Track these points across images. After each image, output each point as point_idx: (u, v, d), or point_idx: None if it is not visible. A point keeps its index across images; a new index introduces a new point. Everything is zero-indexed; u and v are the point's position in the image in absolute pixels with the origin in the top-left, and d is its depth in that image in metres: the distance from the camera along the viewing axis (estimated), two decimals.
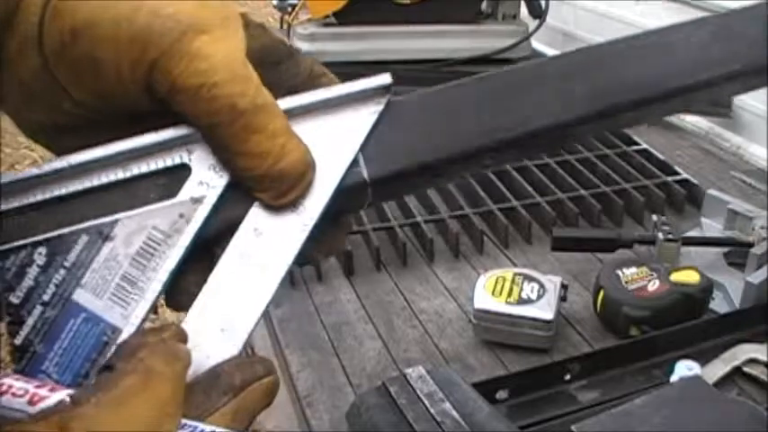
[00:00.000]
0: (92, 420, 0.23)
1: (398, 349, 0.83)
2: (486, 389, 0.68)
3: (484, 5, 1.52)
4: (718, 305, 0.85)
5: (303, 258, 0.30)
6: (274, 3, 1.52)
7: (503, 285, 0.82)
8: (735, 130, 1.31)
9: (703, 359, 0.74)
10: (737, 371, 0.74)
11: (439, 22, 1.47)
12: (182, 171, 0.29)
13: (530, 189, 1.08)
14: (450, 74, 1.44)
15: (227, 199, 0.29)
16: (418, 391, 0.64)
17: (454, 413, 0.61)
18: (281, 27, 1.57)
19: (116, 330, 0.28)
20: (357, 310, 0.89)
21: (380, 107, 0.30)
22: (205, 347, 0.28)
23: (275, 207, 0.29)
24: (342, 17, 1.45)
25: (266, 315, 0.92)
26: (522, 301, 0.80)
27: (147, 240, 0.28)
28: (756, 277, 0.82)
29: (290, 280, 0.94)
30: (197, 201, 0.29)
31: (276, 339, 0.86)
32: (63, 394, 0.25)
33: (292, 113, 0.29)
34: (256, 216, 0.29)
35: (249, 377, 0.27)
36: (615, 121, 0.32)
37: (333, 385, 0.78)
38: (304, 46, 1.47)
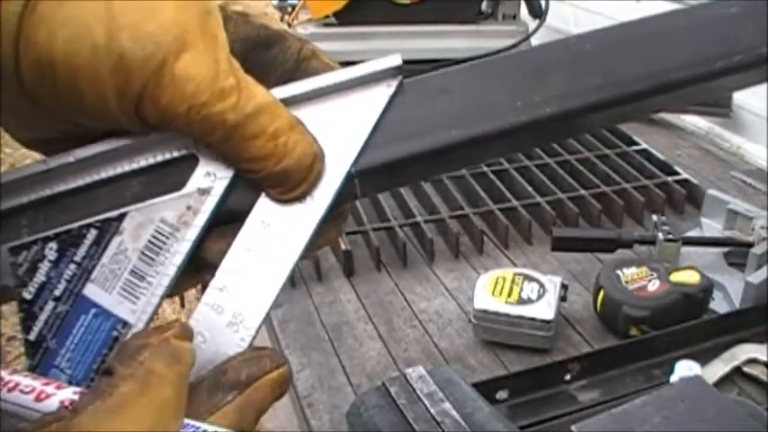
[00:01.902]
0: (89, 429, 0.22)
1: (398, 349, 0.83)
2: (486, 389, 0.68)
3: (484, 5, 1.52)
4: (718, 305, 0.85)
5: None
6: (274, 3, 1.52)
7: (503, 285, 0.82)
8: (735, 130, 1.31)
9: (703, 359, 0.74)
10: (737, 371, 0.74)
11: (439, 22, 1.47)
12: (189, 161, 0.28)
13: (530, 189, 1.08)
14: None
15: (234, 190, 0.28)
16: (418, 391, 0.64)
17: (454, 413, 0.61)
18: None
19: (126, 325, 0.28)
20: (357, 310, 0.89)
21: (391, 90, 0.29)
22: (213, 342, 0.28)
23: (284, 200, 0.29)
24: (342, 17, 1.45)
25: (266, 315, 0.92)
26: (522, 301, 0.80)
27: (154, 233, 0.28)
28: (756, 277, 0.82)
29: (291, 280, 0.94)
30: (204, 192, 0.28)
31: (276, 339, 0.86)
32: (69, 392, 0.24)
33: (298, 99, 0.29)
34: (264, 207, 0.29)
35: (256, 372, 0.27)
36: (624, 109, 0.30)
37: (333, 385, 0.78)
38: None
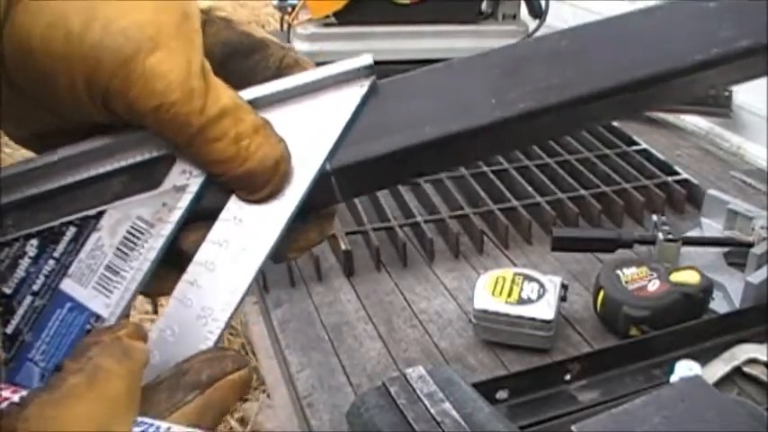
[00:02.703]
0: (36, 421, 0.22)
1: (398, 349, 0.83)
2: (486, 389, 0.68)
3: (484, 5, 1.52)
4: (718, 305, 0.85)
5: (277, 256, 0.30)
6: (274, 3, 1.52)
7: (503, 285, 0.82)
8: (735, 130, 1.31)
9: (703, 359, 0.74)
10: (737, 371, 0.75)
11: (439, 22, 1.47)
12: (166, 161, 0.29)
13: (530, 189, 1.08)
14: None
15: (209, 187, 0.29)
16: (418, 391, 0.64)
17: (454, 413, 0.61)
18: (282, 27, 1.57)
19: (99, 318, 0.29)
20: (357, 310, 0.89)
21: (364, 89, 0.29)
22: (182, 336, 0.28)
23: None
24: (342, 17, 1.45)
25: (266, 315, 0.92)
26: (522, 301, 0.80)
27: (130, 230, 0.29)
28: (756, 277, 0.82)
29: (290, 280, 0.94)
30: (180, 189, 0.29)
31: (276, 339, 0.86)
32: (25, 394, 0.25)
33: (268, 100, 0.29)
34: (236, 204, 0.29)
35: (218, 373, 0.27)
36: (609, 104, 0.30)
37: (333, 385, 0.78)
38: (304, 46, 1.47)
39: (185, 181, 0.29)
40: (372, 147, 0.29)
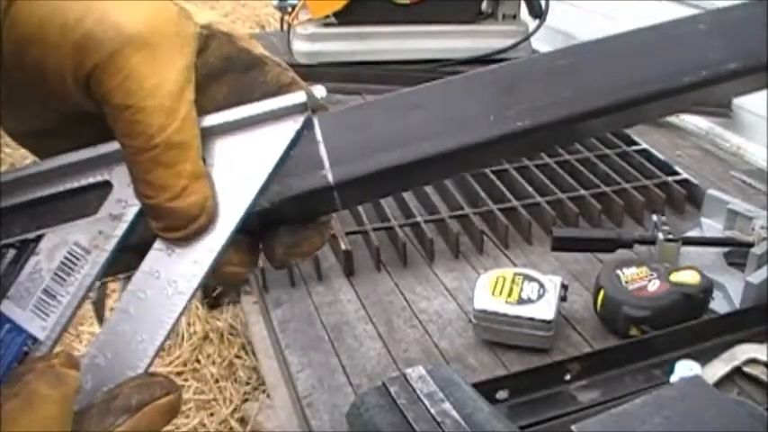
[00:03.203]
0: None
1: (398, 349, 0.83)
2: (486, 389, 0.68)
3: (484, 5, 1.52)
4: (718, 305, 0.85)
5: (278, 262, 0.31)
6: (274, 3, 1.52)
7: (503, 285, 0.82)
8: (735, 130, 1.31)
9: (703, 359, 0.74)
10: (737, 371, 0.75)
11: (439, 22, 1.47)
12: (104, 188, 0.29)
13: (530, 189, 1.08)
14: (450, 74, 1.44)
15: (141, 220, 0.30)
16: (418, 391, 0.64)
17: (454, 413, 0.61)
18: (282, 27, 1.57)
19: (36, 341, 0.29)
20: (357, 310, 0.89)
21: (298, 125, 0.30)
22: (115, 361, 0.29)
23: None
24: (342, 17, 1.45)
25: (266, 315, 0.92)
26: (522, 301, 0.80)
27: (67, 255, 0.29)
28: (756, 277, 0.82)
29: (291, 280, 0.94)
30: (116, 218, 0.29)
31: (276, 339, 0.86)
32: None
33: (212, 131, 0.29)
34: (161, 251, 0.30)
35: (146, 398, 0.27)
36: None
37: (333, 385, 0.78)
38: (304, 46, 1.47)
39: (121, 210, 0.29)
40: (374, 161, 0.30)
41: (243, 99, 0.30)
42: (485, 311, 0.81)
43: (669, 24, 0.32)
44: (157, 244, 0.29)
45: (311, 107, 0.30)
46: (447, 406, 0.62)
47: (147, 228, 0.29)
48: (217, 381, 1.67)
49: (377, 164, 0.30)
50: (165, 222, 0.28)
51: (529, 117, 0.30)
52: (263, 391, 1.56)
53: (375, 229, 1.00)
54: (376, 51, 1.47)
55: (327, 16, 1.46)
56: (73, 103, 0.28)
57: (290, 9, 1.49)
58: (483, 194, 1.07)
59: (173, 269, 0.29)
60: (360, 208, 1.03)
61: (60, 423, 0.25)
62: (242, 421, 1.60)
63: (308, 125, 0.30)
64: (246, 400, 1.63)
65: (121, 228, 0.29)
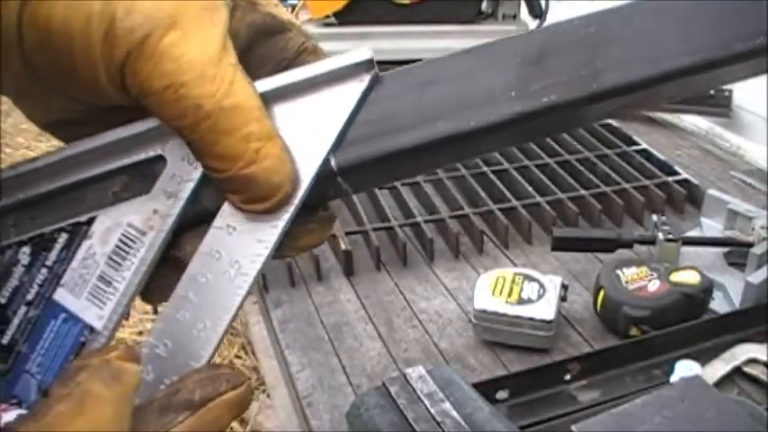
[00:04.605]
0: None
1: (398, 349, 0.83)
2: (486, 389, 0.68)
3: (484, 5, 1.52)
4: (719, 305, 0.85)
5: (278, 253, 0.29)
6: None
7: (503, 285, 0.82)
8: (735, 130, 1.31)
9: (703, 359, 0.74)
10: (737, 371, 0.74)
11: (439, 22, 1.47)
12: (157, 164, 0.28)
13: (530, 189, 1.08)
14: None
15: (201, 192, 0.28)
16: (418, 391, 0.64)
17: (454, 413, 0.61)
18: None
19: (93, 330, 0.28)
20: (357, 310, 0.89)
21: (364, 84, 0.28)
22: (176, 350, 0.27)
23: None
24: (342, 17, 1.45)
25: (266, 315, 0.92)
26: (522, 301, 0.80)
27: (122, 238, 0.28)
28: (756, 277, 0.82)
29: (291, 280, 0.94)
30: (171, 195, 0.27)
31: (276, 339, 0.86)
32: (12, 415, 0.24)
33: (269, 97, 0.27)
34: (229, 210, 0.28)
35: (211, 393, 0.26)
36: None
37: (333, 385, 0.78)
38: None
39: (176, 186, 0.27)
40: (382, 144, 0.28)
41: (263, 64, 0.28)
42: (485, 311, 0.81)
43: None
44: (217, 221, 0.27)
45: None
46: (447, 406, 0.62)
47: (206, 204, 0.27)
48: None
49: (385, 147, 0.28)
50: (247, 194, 0.27)
51: (554, 92, 0.27)
52: (263, 391, 1.56)
53: (375, 229, 0.99)
54: (376, 51, 1.46)
55: (327, 16, 1.46)
56: (104, 97, 0.27)
57: (289, 9, 1.49)
58: (483, 194, 1.07)
59: (235, 249, 0.27)
60: (360, 208, 1.03)
61: (115, 424, 0.24)
62: (242, 421, 1.60)
63: (375, 83, 0.28)
64: None
65: (178, 206, 0.27)
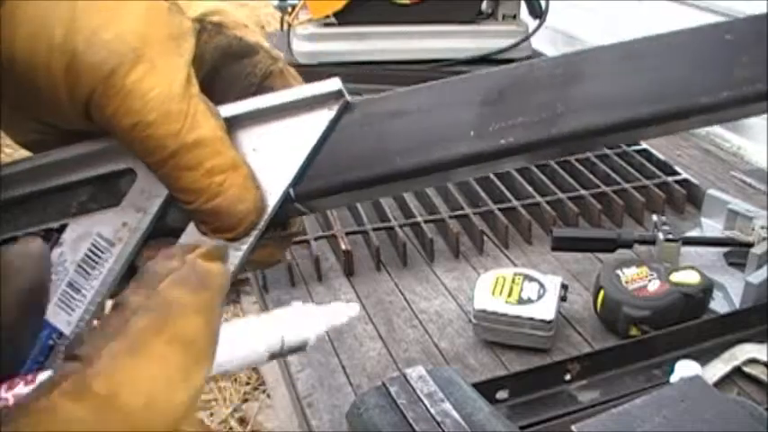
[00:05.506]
0: (114, 377, 0.19)
1: (398, 349, 0.83)
2: (486, 389, 0.68)
3: (484, 5, 1.52)
4: (719, 305, 0.85)
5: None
6: (274, 3, 1.52)
7: (503, 285, 0.82)
8: (735, 131, 1.31)
9: (703, 359, 0.74)
10: (737, 371, 0.75)
11: (439, 22, 1.47)
12: (128, 176, 0.28)
13: (530, 189, 1.08)
14: (449, 74, 1.44)
15: (169, 210, 0.28)
16: (418, 391, 0.64)
17: (454, 413, 0.61)
18: (282, 27, 1.57)
19: (62, 335, 0.28)
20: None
21: (332, 113, 0.28)
22: None
23: None
24: (342, 17, 1.45)
25: None
26: (522, 301, 0.80)
27: (91, 248, 0.28)
28: (756, 277, 0.82)
29: (291, 280, 0.94)
30: (140, 209, 0.28)
31: None
32: (45, 375, 0.24)
33: (236, 122, 0.27)
34: (195, 231, 0.28)
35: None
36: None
37: (333, 385, 0.78)
38: (304, 46, 1.47)
39: (145, 201, 0.28)
40: (340, 176, 0.28)
41: (229, 87, 0.28)
42: (485, 311, 0.81)
43: (688, 32, 0.27)
44: (183, 239, 0.28)
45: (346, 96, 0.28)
46: (447, 406, 0.62)
47: (172, 223, 0.28)
48: (217, 381, 1.68)
49: (344, 178, 0.28)
50: (215, 224, 0.27)
51: (514, 134, 0.27)
52: (263, 391, 1.56)
53: (375, 229, 1.00)
54: (376, 51, 1.47)
55: (327, 16, 1.46)
56: (72, 124, 0.27)
57: (289, 9, 1.49)
58: (483, 194, 1.07)
59: None
60: (360, 208, 1.03)
61: (206, 341, 0.21)
62: (242, 421, 1.60)
63: (344, 112, 0.28)
64: (246, 400, 1.63)
65: (146, 220, 0.28)
